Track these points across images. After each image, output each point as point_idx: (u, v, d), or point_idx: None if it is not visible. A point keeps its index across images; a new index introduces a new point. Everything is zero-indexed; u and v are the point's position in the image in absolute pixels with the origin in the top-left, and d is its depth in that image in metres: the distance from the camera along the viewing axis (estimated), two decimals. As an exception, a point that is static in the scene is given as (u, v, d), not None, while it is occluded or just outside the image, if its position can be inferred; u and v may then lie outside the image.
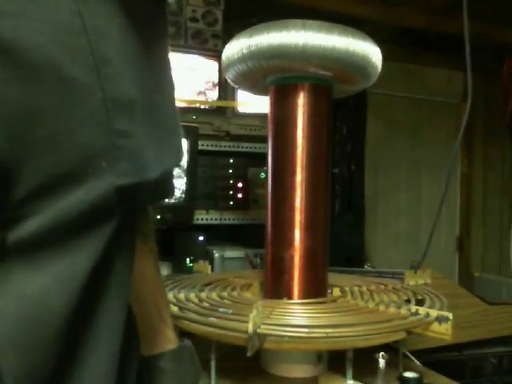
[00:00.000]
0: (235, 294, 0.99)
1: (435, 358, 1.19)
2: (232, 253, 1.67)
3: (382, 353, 0.80)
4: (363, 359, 0.82)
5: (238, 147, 1.75)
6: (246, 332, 0.70)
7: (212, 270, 1.43)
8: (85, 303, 0.31)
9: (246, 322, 0.71)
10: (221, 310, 0.83)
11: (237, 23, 1.68)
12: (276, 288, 1.00)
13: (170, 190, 0.41)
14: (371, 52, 0.95)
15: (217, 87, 1.80)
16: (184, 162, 1.62)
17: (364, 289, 1.04)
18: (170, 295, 0.95)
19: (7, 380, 0.27)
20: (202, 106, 1.80)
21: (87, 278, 0.30)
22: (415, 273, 1.14)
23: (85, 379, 0.32)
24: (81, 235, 0.29)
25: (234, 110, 1.82)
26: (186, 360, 0.58)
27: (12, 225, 0.27)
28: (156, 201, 0.42)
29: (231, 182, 1.74)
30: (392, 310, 0.87)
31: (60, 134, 0.28)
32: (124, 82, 0.31)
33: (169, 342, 0.56)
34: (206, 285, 1.07)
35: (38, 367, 0.29)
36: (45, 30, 0.27)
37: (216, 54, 1.76)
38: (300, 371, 0.89)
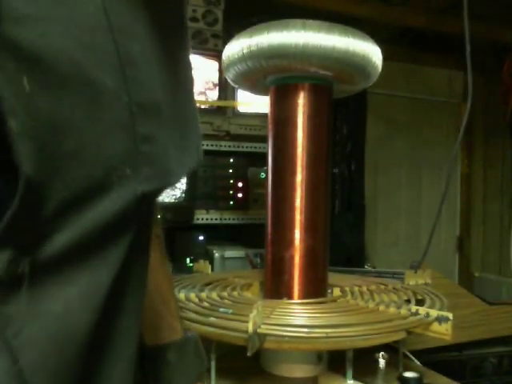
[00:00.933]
0: (235, 293, 0.99)
1: (435, 357, 1.19)
2: (232, 252, 1.67)
3: (382, 353, 0.80)
4: (363, 359, 0.82)
5: (238, 147, 1.75)
6: (246, 332, 0.70)
7: (212, 269, 1.43)
8: (105, 315, 0.30)
9: (246, 321, 0.71)
10: (221, 309, 0.83)
11: (237, 23, 1.67)
12: (276, 288, 1.00)
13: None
14: (371, 52, 0.95)
15: (217, 87, 1.80)
16: (184, 161, 1.62)
17: (364, 289, 1.04)
18: (170, 295, 0.95)
19: None
20: (202, 106, 1.80)
21: (109, 290, 0.29)
22: (415, 273, 1.14)
23: None
24: (104, 247, 0.28)
25: (234, 109, 1.82)
26: (191, 351, 0.56)
27: (41, 242, 0.25)
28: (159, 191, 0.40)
29: (231, 181, 1.74)
30: (392, 309, 0.87)
31: (87, 145, 0.27)
32: (150, 84, 0.30)
33: (174, 332, 0.55)
34: (206, 285, 1.07)
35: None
36: (71, 33, 0.25)
37: (216, 54, 1.76)
38: (300, 371, 0.89)
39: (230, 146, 1.74)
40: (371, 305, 0.90)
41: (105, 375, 0.32)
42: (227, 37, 1.61)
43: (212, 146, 1.71)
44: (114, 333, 0.32)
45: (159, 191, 0.32)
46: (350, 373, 0.80)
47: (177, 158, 0.33)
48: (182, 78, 0.36)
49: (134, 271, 0.33)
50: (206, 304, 0.88)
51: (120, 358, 0.33)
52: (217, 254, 1.65)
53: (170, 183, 0.33)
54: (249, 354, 0.70)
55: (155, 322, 0.54)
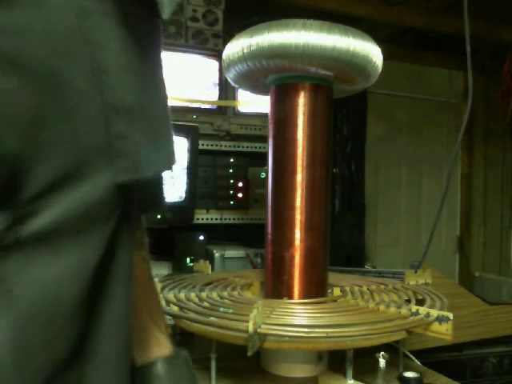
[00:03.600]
0: (235, 293, 0.99)
1: (435, 357, 1.19)
2: (232, 252, 1.67)
3: (382, 352, 0.80)
4: (363, 359, 0.82)
5: (239, 147, 1.75)
6: (247, 331, 0.70)
7: (212, 269, 1.43)
8: (93, 291, 0.34)
9: (247, 321, 0.71)
10: (221, 309, 0.83)
11: (237, 23, 1.68)
12: (276, 288, 1.00)
13: (160, 198, 0.44)
14: (372, 52, 0.95)
15: (217, 87, 1.80)
16: (184, 161, 1.62)
17: (364, 289, 1.04)
18: (171, 295, 0.95)
19: (34, 353, 0.30)
20: (203, 106, 1.80)
21: (95, 267, 0.34)
22: (415, 272, 1.14)
23: (97, 358, 0.36)
24: (87, 229, 0.33)
25: (234, 109, 1.81)
26: (182, 366, 0.57)
27: (26, 219, 0.29)
28: (148, 209, 0.46)
29: (231, 181, 1.74)
30: (392, 309, 0.86)
31: (64, 137, 0.31)
32: (122, 90, 0.35)
33: (164, 347, 0.55)
34: (207, 284, 1.07)
35: (56, 350, 0.32)
36: (47, 43, 0.30)
37: (216, 54, 1.76)
38: (300, 371, 0.89)
39: (230, 146, 1.74)
40: (371, 305, 0.90)
41: (95, 348, 0.36)
42: (227, 37, 1.61)
43: (212, 145, 1.71)
44: (104, 308, 0.36)
45: (133, 183, 0.36)
46: (350, 373, 0.80)
47: (149, 155, 0.37)
48: (155, 87, 0.40)
49: (119, 257, 0.36)
50: (206, 304, 0.88)
51: (112, 335, 0.37)
52: (217, 254, 1.65)
53: (142, 176, 0.36)
54: (249, 353, 0.70)
55: (144, 339, 0.54)
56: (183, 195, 1.64)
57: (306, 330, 0.75)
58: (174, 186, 1.63)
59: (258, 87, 1.08)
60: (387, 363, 0.81)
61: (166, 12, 0.37)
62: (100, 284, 0.35)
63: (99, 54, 0.33)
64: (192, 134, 1.58)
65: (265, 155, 1.05)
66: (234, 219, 1.74)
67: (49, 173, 0.30)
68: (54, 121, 0.31)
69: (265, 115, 1.08)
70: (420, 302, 0.93)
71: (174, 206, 1.62)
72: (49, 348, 0.32)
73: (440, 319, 0.80)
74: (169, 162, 0.41)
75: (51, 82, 0.30)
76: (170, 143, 0.41)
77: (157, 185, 0.44)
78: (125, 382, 0.40)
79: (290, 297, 0.97)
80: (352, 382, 0.80)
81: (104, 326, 0.36)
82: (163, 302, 0.92)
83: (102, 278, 0.35)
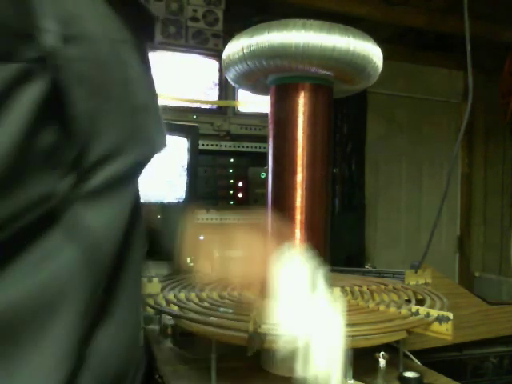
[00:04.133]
0: (236, 293, 0.99)
1: (435, 357, 1.19)
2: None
3: (382, 352, 0.80)
4: (363, 359, 0.82)
5: (239, 147, 1.75)
6: (247, 331, 0.70)
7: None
8: (127, 239, 0.46)
9: (247, 321, 0.71)
10: (221, 309, 0.83)
11: (237, 23, 1.68)
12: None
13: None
14: (372, 52, 0.95)
15: (217, 87, 1.80)
16: (185, 161, 1.62)
17: (364, 288, 1.04)
18: (171, 295, 0.95)
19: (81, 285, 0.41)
20: (203, 106, 1.80)
21: (128, 219, 0.46)
22: (415, 272, 1.14)
23: (122, 302, 0.47)
24: (124, 188, 0.46)
25: (234, 109, 1.82)
26: None
27: (87, 179, 0.41)
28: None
29: (232, 181, 1.74)
30: (392, 309, 0.86)
31: (109, 127, 0.43)
32: (140, 93, 0.48)
33: None
34: (207, 284, 1.07)
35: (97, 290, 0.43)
36: (95, 65, 0.42)
37: (217, 54, 1.76)
38: (300, 371, 0.89)
39: (230, 146, 1.74)
40: (371, 305, 0.90)
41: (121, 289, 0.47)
42: (228, 36, 1.61)
43: (212, 145, 1.71)
44: (128, 257, 0.47)
45: (150, 157, 0.50)
46: (350, 373, 0.80)
47: (159, 138, 0.51)
48: (154, 88, 0.53)
49: (137, 214, 0.50)
50: (206, 304, 0.88)
51: (131, 282, 0.49)
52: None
53: (155, 153, 0.50)
54: (249, 353, 0.70)
55: None
56: (183, 195, 1.64)
57: (306, 329, 0.75)
58: (174, 186, 1.63)
59: (258, 87, 1.08)
60: (387, 363, 0.81)
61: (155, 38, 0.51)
62: (132, 228, 0.48)
63: (127, 70, 0.46)
64: (192, 134, 1.58)
65: (265, 155, 1.05)
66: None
67: (99, 151, 0.42)
68: (104, 116, 0.43)
69: (265, 115, 1.08)
70: (420, 302, 0.93)
71: (174, 206, 1.62)
72: (101, 270, 0.43)
73: (440, 319, 0.80)
74: (165, 143, 0.54)
75: (102, 89, 0.42)
76: (164, 128, 0.54)
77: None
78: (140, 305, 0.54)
79: (290, 297, 0.97)
80: (352, 381, 0.80)
81: (129, 264, 0.48)
82: (163, 302, 0.92)
83: (132, 225, 0.48)
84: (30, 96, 0.35)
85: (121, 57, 0.45)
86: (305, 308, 0.56)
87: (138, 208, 0.50)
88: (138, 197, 0.51)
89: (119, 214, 0.45)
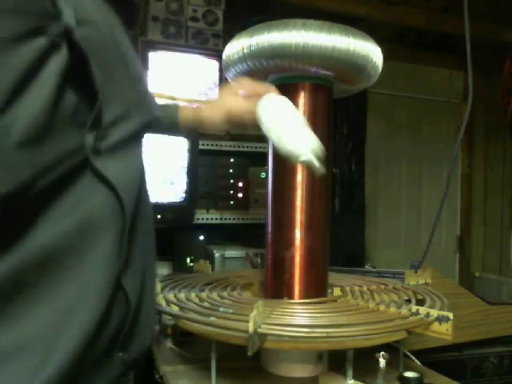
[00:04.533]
0: (235, 293, 0.99)
1: (435, 357, 1.19)
2: (232, 252, 1.67)
3: (382, 352, 0.80)
4: (363, 359, 0.82)
5: (239, 147, 1.75)
6: (247, 331, 0.70)
7: (212, 269, 1.43)
8: (141, 195, 0.54)
9: (247, 321, 0.71)
10: (221, 309, 0.83)
11: (237, 23, 1.68)
12: (276, 288, 1.00)
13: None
14: (372, 52, 0.95)
15: (217, 87, 1.80)
16: (184, 161, 1.62)
17: (364, 288, 1.04)
18: (171, 295, 0.95)
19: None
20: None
21: (140, 173, 0.55)
22: (416, 272, 1.14)
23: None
24: (135, 146, 0.54)
25: (234, 109, 1.81)
26: None
27: (105, 137, 0.48)
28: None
29: (232, 181, 1.74)
30: (392, 309, 0.87)
31: (119, 95, 0.52)
32: (136, 66, 0.56)
33: None
34: (207, 284, 1.07)
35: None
36: (98, 42, 0.49)
37: (217, 54, 1.75)
38: (300, 371, 0.89)
39: (230, 146, 1.74)
40: (372, 305, 0.90)
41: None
42: (228, 36, 1.61)
43: (212, 145, 1.71)
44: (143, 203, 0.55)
45: (151, 122, 0.59)
46: (350, 372, 0.80)
47: (155, 105, 0.63)
48: (139, 64, 0.61)
49: (144, 171, 0.58)
50: (206, 304, 0.88)
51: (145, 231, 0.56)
52: (217, 254, 1.65)
53: (155, 116, 0.60)
54: (249, 353, 0.70)
55: None
56: (183, 195, 1.64)
57: (306, 329, 0.75)
58: (174, 186, 1.63)
59: (258, 87, 1.08)
60: (387, 363, 0.81)
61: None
62: (143, 184, 0.56)
63: (121, 48, 0.53)
64: (192, 134, 1.58)
65: (265, 155, 1.05)
66: (234, 219, 1.74)
67: (112, 113, 0.49)
68: (113, 85, 0.50)
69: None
70: (420, 302, 0.93)
71: (174, 206, 1.62)
72: (126, 217, 0.49)
73: (440, 319, 0.80)
74: (157, 108, 0.66)
75: (109, 63, 0.50)
76: (153, 96, 0.64)
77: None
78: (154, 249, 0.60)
79: (290, 297, 0.97)
80: (352, 381, 0.80)
81: (139, 228, 0.53)
82: (163, 302, 0.92)
83: (143, 182, 0.56)
84: (56, 63, 0.43)
85: (114, 37, 0.52)
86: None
87: (144, 166, 0.57)
88: (142, 156, 0.59)
89: (134, 167, 0.54)
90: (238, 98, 0.82)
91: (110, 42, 0.51)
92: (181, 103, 0.89)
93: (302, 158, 0.72)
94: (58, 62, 0.43)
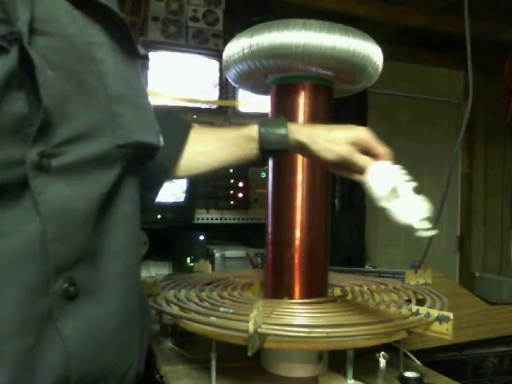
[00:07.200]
0: (236, 293, 0.99)
1: (435, 357, 1.19)
2: (232, 252, 1.67)
3: (382, 352, 0.80)
4: (364, 359, 0.82)
5: (239, 147, 1.75)
6: (247, 331, 0.70)
7: (212, 269, 1.43)
8: (102, 212, 0.50)
9: (247, 321, 0.71)
10: (221, 309, 0.83)
11: (238, 23, 1.68)
12: (277, 287, 1.00)
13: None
14: (372, 52, 0.95)
15: (217, 87, 1.81)
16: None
17: (365, 288, 1.04)
18: (171, 295, 0.95)
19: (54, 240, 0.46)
20: (203, 106, 1.80)
21: (101, 195, 0.50)
22: (416, 272, 1.14)
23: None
24: (94, 171, 0.49)
25: (234, 109, 1.82)
26: None
27: (55, 156, 0.46)
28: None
29: (232, 181, 1.74)
30: (393, 309, 0.86)
31: (81, 111, 0.48)
32: (116, 85, 0.52)
33: None
34: (207, 284, 1.07)
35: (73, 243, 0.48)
36: (72, 56, 0.49)
37: (217, 54, 1.76)
38: (300, 371, 0.89)
39: (230, 146, 1.74)
40: (372, 304, 0.90)
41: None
42: (228, 36, 1.61)
43: (212, 145, 1.71)
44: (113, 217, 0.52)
45: (128, 146, 0.53)
46: (350, 372, 0.80)
47: (139, 128, 0.55)
48: (139, 87, 0.58)
49: (125, 195, 0.55)
50: (206, 304, 0.88)
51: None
52: (217, 254, 1.65)
53: (133, 140, 0.53)
54: (249, 353, 0.70)
55: None
56: (183, 195, 1.64)
57: (306, 329, 0.75)
58: (174, 185, 1.63)
59: (258, 87, 1.08)
60: (387, 363, 0.80)
61: (141, 52, 0.58)
62: (108, 207, 0.52)
63: (101, 66, 0.51)
64: (192, 133, 1.58)
65: (265, 155, 1.05)
66: (234, 219, 1.74)
67: (71, 130, 0.47)
68: (76, 101, 0.48)
69: (265, 115, 1.08)
70: (420, 302, 0.93)
71: (174, 206, 1.62)
72: (66, 240, 0.47)
73: (440, 319, 0.80)
74: (157, 139, 0.58)
75: (75, 78, 0.48)
76: (156, 125, 0.59)
77: (154, 155, 0.60)
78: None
79: (291, 297, 0.97)
80: (352, 381, 0.80)
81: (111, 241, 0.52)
82: (163, 302, 0.92)
83: (109, 204, 0.52)
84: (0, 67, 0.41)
85: (94, 55, 0.51)
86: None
87: (123, 191, 0.54)
88: (129, 182, 0.55)
89: (89, 193, 0.49)
90: (353, 149, 0.79)
91: (87, 59, 0.50)
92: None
93: (414, 227, 0.77)
94: (1, 65, 0.42)
